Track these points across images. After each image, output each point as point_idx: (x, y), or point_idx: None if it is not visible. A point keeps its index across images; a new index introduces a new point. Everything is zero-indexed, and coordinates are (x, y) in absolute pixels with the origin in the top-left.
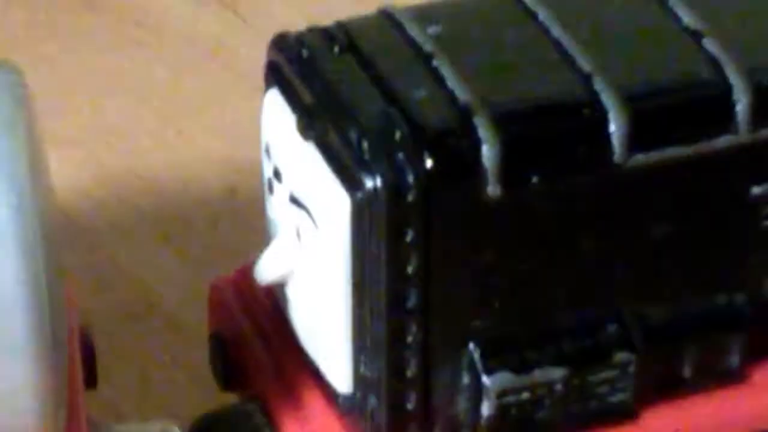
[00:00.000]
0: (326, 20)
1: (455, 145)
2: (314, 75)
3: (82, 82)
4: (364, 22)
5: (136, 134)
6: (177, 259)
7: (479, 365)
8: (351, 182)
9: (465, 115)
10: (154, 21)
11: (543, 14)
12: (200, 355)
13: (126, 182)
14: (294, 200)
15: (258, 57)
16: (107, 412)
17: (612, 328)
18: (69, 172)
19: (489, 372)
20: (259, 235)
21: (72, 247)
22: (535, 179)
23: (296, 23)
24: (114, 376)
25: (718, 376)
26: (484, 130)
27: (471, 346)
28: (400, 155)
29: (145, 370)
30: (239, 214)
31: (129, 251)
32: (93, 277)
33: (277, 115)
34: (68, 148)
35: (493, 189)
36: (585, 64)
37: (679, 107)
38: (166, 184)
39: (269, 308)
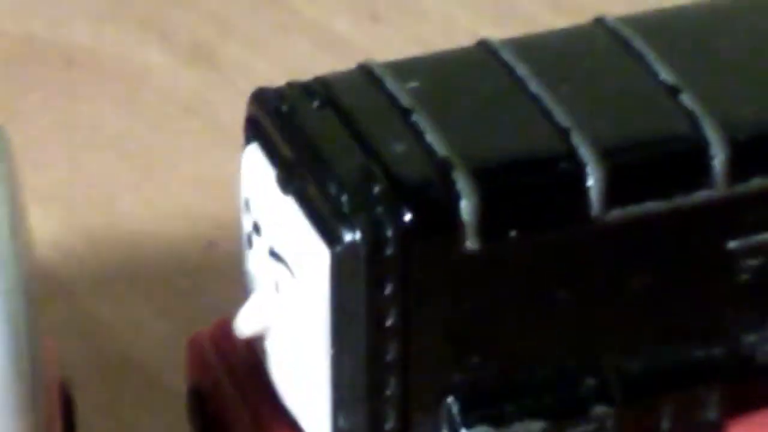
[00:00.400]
0: (305, 75)
1: (434, 199)
2: (294, 129)
3: (60, 137)
4: (343, 77)
5: (114, 189)
6: (156, 314)
7: (458, 419)
8: (330, 236)
9: (443, 169)
10: (133, 76)
11: (521, 69)
12: (179, 409)
13: (104, 237)
14: (273, 254)
15: (237, 112)
16: None
17: (590, 381)
18: (47, 226)
19: (468, 425)
20: (238, 289)
21: (50, 302)
22: (513, 233)
23: (276, 78)
24: (92, 431)
25: (697, 430)
26: (462, 184)
27: (450, 399)
28: (379, 209)
29: (123, 425)
30: (218, 269)
31: (107, 306)
32: (72, 331)
33: (256, 170)
34: (46, 202)
35: (471, 243)
36: (563, 118)
37: (657, 162)
38: (144, 238)
39: (248, 362)
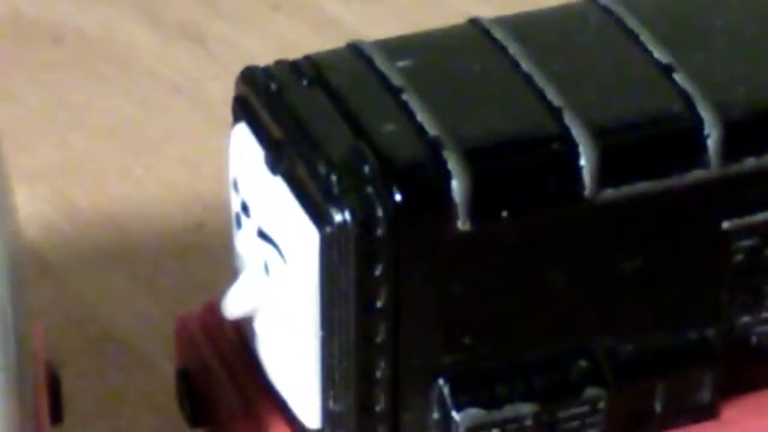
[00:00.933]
0: (294, 54)
1: (424, 179)
2: (282, 109)
3: (47, 117)
4: (332, 56)
5: (102, 169)
6: (144, 295)
7: (449, 400)
8: (319, 216)
9: (434, 149)
10: (121, 55)
11: (513, 48)
12: (167, 390)
13: (92, 218)
14: (262, 234)
15: (225, 91)
16: None
17: (582, 363)
18: (35, 207)
19: (459, 407)
20: (227, 269)
21: (38, 283)
22: (504, 213)
23: (264, 57)
24: (80, 412)
25: (690, 412)
26: (453, 164)
27: (440, 381)
28: (369, 189)
29: (112, 406)
30: (207, 249)
31: (96, 286)
32: (60, 312)
33: (245, 149)
34: (34, 183)
35: (462, 223)
36: (555, 98)
37: (650, 141)
38: (133, 219)
39: (237, 343)
